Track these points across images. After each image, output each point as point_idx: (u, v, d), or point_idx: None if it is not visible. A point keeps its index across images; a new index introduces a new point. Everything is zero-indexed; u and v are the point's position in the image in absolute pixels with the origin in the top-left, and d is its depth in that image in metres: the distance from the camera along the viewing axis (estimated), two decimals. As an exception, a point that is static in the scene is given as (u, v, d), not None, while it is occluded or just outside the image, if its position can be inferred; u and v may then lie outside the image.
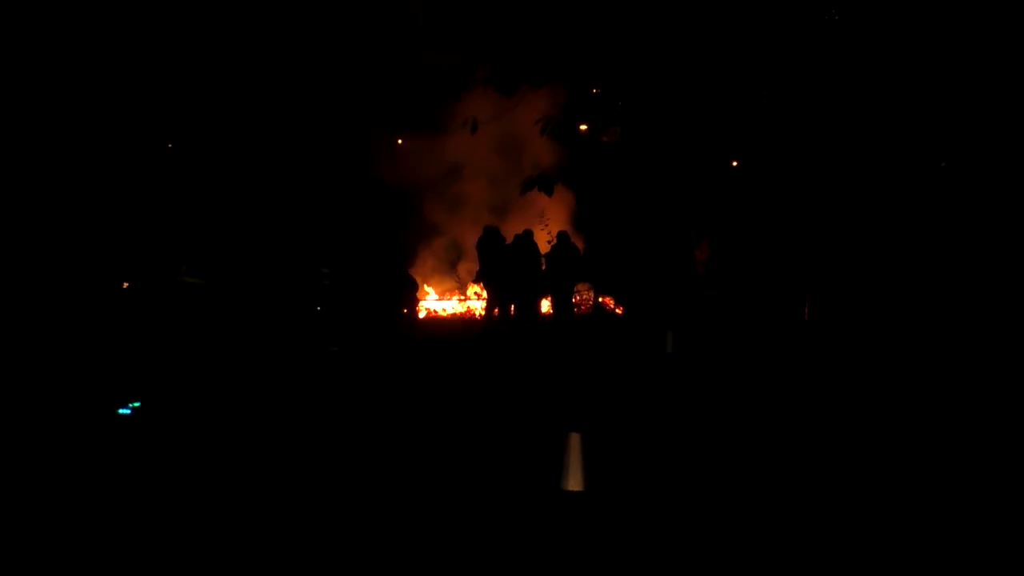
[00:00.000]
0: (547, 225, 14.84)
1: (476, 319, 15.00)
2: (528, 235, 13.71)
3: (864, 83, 11.03)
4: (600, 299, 15.74)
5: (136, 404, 7.03)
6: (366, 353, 10.53)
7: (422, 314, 15.10)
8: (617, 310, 15.72)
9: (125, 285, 9.44)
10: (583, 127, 14.98)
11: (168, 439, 6.46)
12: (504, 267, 13.32)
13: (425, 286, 16.32)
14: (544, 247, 13.97)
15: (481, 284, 14.33)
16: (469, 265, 15.52)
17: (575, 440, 5.21)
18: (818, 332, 12.46)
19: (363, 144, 15.82)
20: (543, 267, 13.62)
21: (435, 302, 16.39)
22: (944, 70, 10.40)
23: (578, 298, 15.58)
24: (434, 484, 5.41)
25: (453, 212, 16.22)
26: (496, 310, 13.66)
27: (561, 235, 14.10)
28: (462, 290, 16.14)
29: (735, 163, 15.13)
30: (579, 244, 14.34)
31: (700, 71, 11.31)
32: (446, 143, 15.31)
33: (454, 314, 15.82)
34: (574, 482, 5.15)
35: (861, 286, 12.94)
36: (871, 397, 8.02)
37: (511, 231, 13.90)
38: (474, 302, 15.70)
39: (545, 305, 14.64)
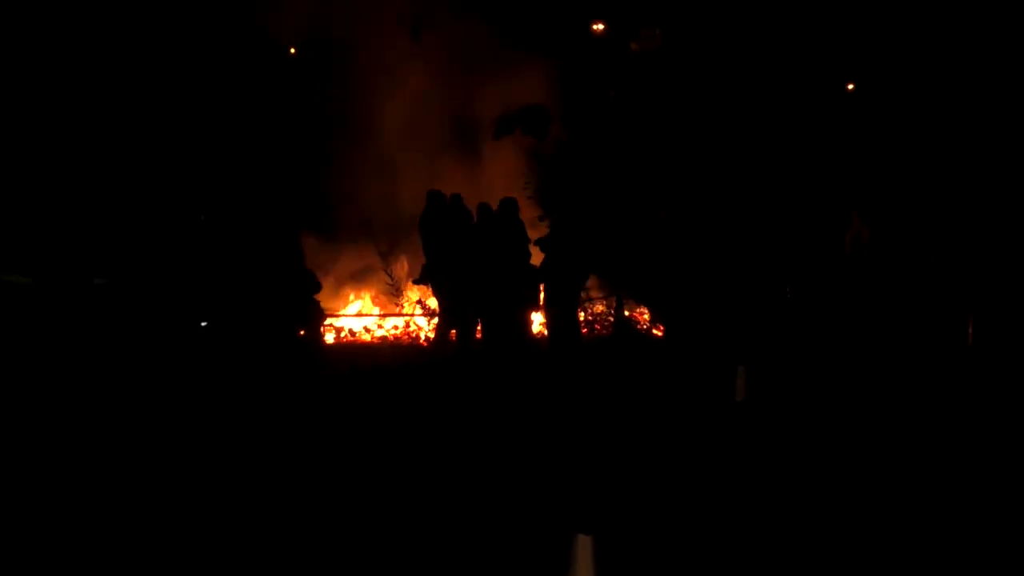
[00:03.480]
0: (535, 192, 14.70)
1: (421, 345, 15.14)
2: (509, 208, 13.49)
3: None
4: (626, 312, 15.65)
5: None
6: (244, 401, 10.74)
7: (330, 337, 15.25)
8: (654, 330, 15.63)
9: None
10: (598, 27, 15.13)
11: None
12: (468, 259, 13.39)
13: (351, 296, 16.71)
14: (533, 227, 13.97)
15: (429, 287, 14.29)
16: (408, 257, 15.78)
17: (585, 546, 5.35)
18: (990, 368, 12.54)
19: (236, 58, 16.56)
20: (532, 259, 13.66)
21: (353, 318, 16.51)
22: None
23: (590, 311, 15.51)
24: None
25: (382, 169, 16.52)
26: (454, 331, 13.71)
27: (560, 208, 14.08)
28: (397, 298, 16.11)
29: (851, 86, 15.34)
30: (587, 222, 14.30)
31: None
32: (371, 60, 16.00)
33: (384, 337, 15.93)
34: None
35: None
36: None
37: (478, 201, 13.87)
38: (419, 318, 15.77)
39: (535, 322, 14.77)
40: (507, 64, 15.63)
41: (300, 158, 17.06)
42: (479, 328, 13.71)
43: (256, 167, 16.28)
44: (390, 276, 15.78)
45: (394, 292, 15.94)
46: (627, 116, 14.85)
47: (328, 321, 15.02)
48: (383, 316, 16.55)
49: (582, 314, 15.06)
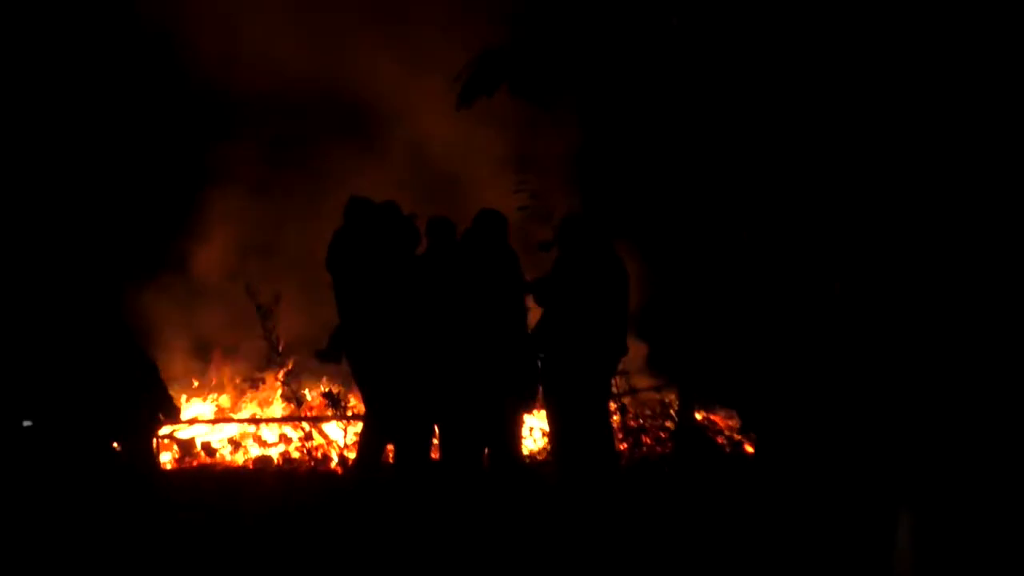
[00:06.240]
0: (534, 198, 14.69)
1: (332, 472, 14.67)
2: (492, 227, 12.91)
3: None
4: (697, 414, 15.27)
5: None
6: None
7: (167, 459, 14.96)
8: (745, 444, 15.12)
9: None
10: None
11: None
12: (416, 316, 12.56)
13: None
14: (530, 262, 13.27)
15: (336, 364, 13.64)
16: (302, 319, 15.52)
17: None
18: None
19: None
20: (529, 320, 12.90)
21: (208, 424, 16.34)
22: None
23: (632, 410, 15.24)
24: None
25: (260, 166, 17.32)
26: (389, 445, 12.89)
27: (578, 224, 13.19)
28: (289, 392, 15.79)
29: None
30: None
31: None
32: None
33: (266, 458, 15.42)
34: None
35: None
36: None
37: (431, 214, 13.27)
38: (328, 425, 15.51)
39: (534, 429, 15.06)
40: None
41: (116, 150, 17.07)
42: (434, 441, 12.55)
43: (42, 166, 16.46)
44: (275, 347, 15.05)
45: (284, 384, 15.58)
46: (701, 60, 14.18)
47: (167, 430, 14.22)
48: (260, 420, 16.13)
49: (617, 416, 14.45)
